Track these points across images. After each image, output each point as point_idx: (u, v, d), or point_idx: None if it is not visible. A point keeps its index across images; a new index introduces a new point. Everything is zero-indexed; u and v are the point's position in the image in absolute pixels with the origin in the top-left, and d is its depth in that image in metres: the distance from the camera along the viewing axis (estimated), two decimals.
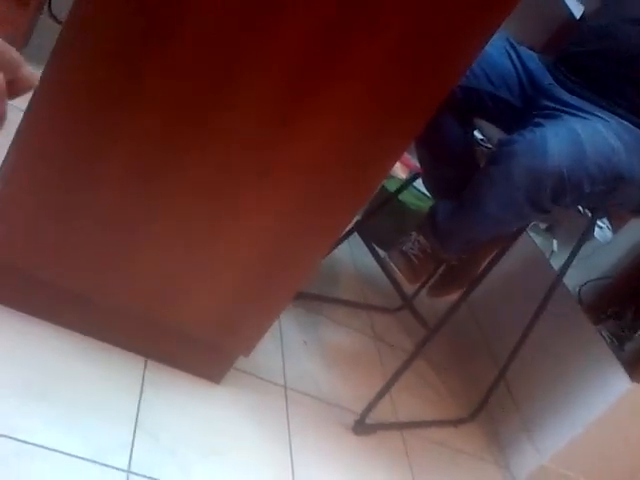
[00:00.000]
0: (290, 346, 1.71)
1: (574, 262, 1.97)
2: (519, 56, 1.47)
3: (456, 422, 1.84)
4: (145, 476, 1.18)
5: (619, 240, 2.18)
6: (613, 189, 1.31)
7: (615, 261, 2.19)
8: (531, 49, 1.56)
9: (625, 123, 1.34)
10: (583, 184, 1.25)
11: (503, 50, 1.46)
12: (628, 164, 1.30)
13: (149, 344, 1.38)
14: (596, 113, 1.35)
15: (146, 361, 1.38)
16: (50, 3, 2.07)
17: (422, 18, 1.05)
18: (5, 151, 1.12)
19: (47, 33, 1.04)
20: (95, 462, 1.15)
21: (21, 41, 1.95)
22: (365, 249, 1.77)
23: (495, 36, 1.31)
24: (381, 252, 1.76)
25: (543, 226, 2.27)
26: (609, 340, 1.93)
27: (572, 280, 2.09)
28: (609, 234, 2.16)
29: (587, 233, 1.60)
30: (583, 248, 2.11)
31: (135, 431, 1.23)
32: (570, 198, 1.27)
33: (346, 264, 2.20)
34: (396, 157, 1.22)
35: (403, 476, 1.58)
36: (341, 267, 2.17)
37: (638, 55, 1.38)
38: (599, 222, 2.15)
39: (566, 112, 1.35)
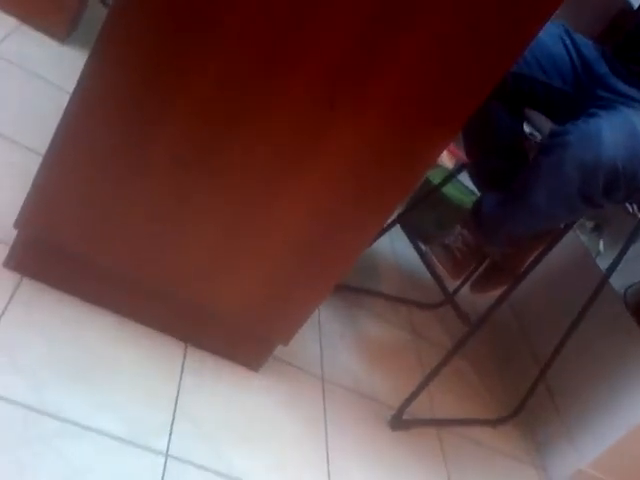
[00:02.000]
0: (328, 337, 1.69)
1: (621, 264, 1.92)
2: (574, 44, 1.42)
3: (494, 422, 1.80)
4: (183, 459, 1.18)
5: None
6: None
7: None
8: (587, 38, 1.52)
9: None
10: (637, 178, 1.21)
11: (558, 37, 1.42)
12: None
13: (189, 329, 1.38)
14: None
15: (186, 346, 1.38)
16: None
17: (472, 4, 1.02)
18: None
19: (97, 18, 1.04)
20: (134, 444, 1.15)
21: (70, 26, 1.97)
22: (406, 242, 1.75)
23: (550, 23, 1.27)
24: (422, 246, 1.73)
25: (590, 225, 2.22)
26: None
27: (618, 282, 2.04)
28: None
29: (636, 234, 1.56)
30: (630, 250, 2.06)
31: (174, 415, 1.24)
32: (624, 192, 1.23)
33: (386, 257, 2.18)
34: (443, 146, 1.20)
35: (438, 473, 1.56)
36: (381, 260, 2.15)
37: None
38: None
39: (622, 103, 1.30)
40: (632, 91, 1.34)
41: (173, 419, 1.23)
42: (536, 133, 1.52)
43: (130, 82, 1.07)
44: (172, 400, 1.26)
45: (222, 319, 1.36)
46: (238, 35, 1.04)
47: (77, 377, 1.19)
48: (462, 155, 2.24)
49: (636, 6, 1.71)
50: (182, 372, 1.33)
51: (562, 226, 1.44)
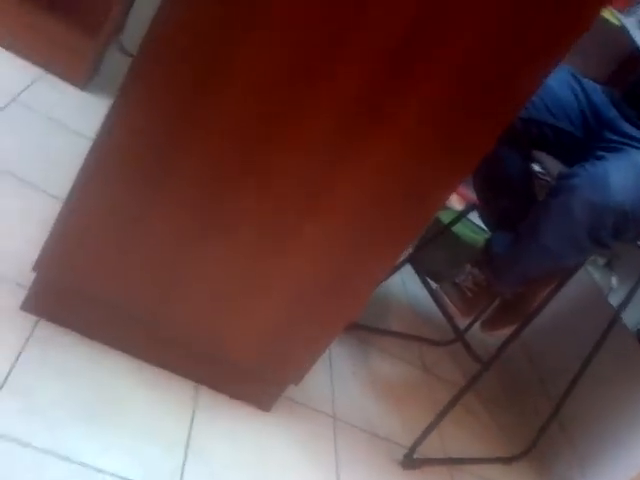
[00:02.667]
0: (340, 376, 1.69)
1: (634, 299, 1.92)
2: (583, 88, 1.45)
3: (506, 459, 1.79)
4: None
5: None
6: None
7: None
8: (595, 82, 1.54)
9: None
10: None
11: (565, 82, 1.44)
12: None
13: (200, 370, 1.38)
14: None
15: (197, 387, 1.39)
16: (120, 35, 2.15)
17: (485, 46, 1.05)
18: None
19: (116, 64, 1.07)
20: None
21: (90, 72, 2.02)
22: (417, 281, 1.76)
23: (558, 69, 1.30)
24: (433, 284, 1.74)
25: (602, 262, 2.22)
26: None
27: (632, 318, 2.03)
28: None
29: None
30: None
31: (186, 456, 1.24)
32: (632, 234, 1.24)
33: (398, 296, 2.19)
34: (453, 188, 1.21)
35: None
36: (393, 299, 2.16)
37: None
38: None
39: (630, 145, 1.32)
40: (639, 134, 1.36)
41: (185, 460, 1.23)
42: (546, 174, 1.54)
43: (149, 131, 1.10)
44: (184, 441, 1.26)
45: (233, 361, 1.37)
46: (252, 89, 1.07)
47: (91, 419, 1.19)
48: (470, 196, 2.26)
49: None
50: (194, 413, 1.33)
51: (572, 264, 1.45)
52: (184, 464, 1.22)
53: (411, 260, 1.76)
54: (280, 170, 1.14)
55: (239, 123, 1.10)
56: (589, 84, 1.47)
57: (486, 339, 1.74)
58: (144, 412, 1.27)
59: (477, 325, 1.75)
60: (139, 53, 1.05)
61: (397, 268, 1.77)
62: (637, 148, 1.31)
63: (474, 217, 1.79)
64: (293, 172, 1.15)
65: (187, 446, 1.26)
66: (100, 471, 1.13)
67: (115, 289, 1.26)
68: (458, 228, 2.14)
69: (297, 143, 1.12)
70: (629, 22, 1.83)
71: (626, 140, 1.34)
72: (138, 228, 1.19)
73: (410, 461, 1.57)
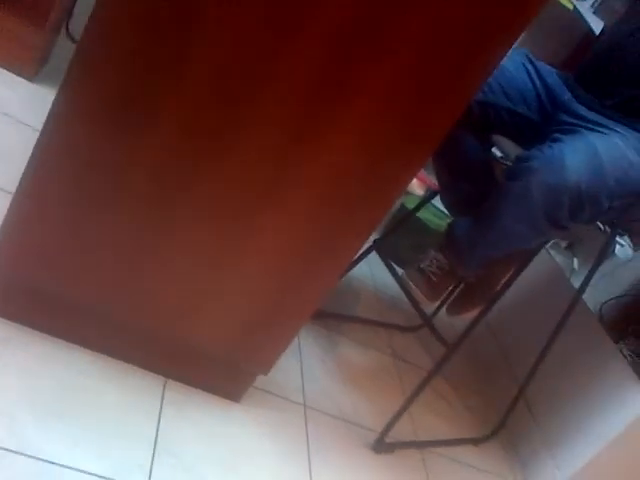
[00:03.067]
0: (309, 364, 1.70)
1: (596, 280, 1.95)
2: (537, 71, 1.47)
3: (476, 440, 1.82)
4: None
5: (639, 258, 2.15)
6: (632, 204, 1.30)
7: (636, 279, 2.17)
8: (551, 65, 1.56)
9: None
10: (601, 200, 1.24)
11: (521, 65, 1.46)
12: None
13: (168, 363, 1.38)
14: (614, 128, 1.34)
15: (165, 380, 1.38)
16: (67, 24, 2.11)
17: (436, 34, 1.05)
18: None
19: (65, 54, 1.05)
20: None
21: (38, 63, 1.98)
22: (385, 267, 1.77)
23: (513, 52, 1.31)
24: (400, 270, 1.76)
25: (564, 244, 2.26)
26: (630, 358, 1.91)
27: (594, 298, 2.07)
28: (630, 251, 2.13)
29: (606, 250, 1.59)
30: (605, 266, 2.10)
31: (155, 450, 1.24)
32: (588, 214, 1.27)
33: (366, 283, 2.20)
34: (412, 174, 1.22)
35: None
36: (361, 286, 2.17)
37: None
38: (620, 240, 2.13)
39: (584, 127, 1.34)
40: (594, 116, 1.39)
41: (154, 454, 1.23)
42: (505, 158, 1.56)
43: (98, 119, 1.08)
44: (152, 435, 1.26)
45: (200, 352, 1.36)
46: (206, 71, 1.06)
47: (56, 416, 1.18)
48: (431, 182, 2.28)
49: (598, 32, 1.76)
50: (162, 406, 1.33)
51: (533, 246, 1.47)
52: (153, 458, 1.22)
53: (377, 247, 1.77)
54: (240, 152, 1.14)
55: (193, 110, 1.09)
56: (544, 67, 1.49)
57: (454, 322, 1.77)
58: (111, 408, 1.26)
59: (444, 309, 1.78)
60: (81, 41, 1.03)
61: (363, 255, 1.78)
62: (590, 129, 1.33)
63: (438, 202, 1.81)
64: (249, 168, 1.15)
65: (156, 440, 1.26)
66: (69, 468, 1.12)
67: (74, 284, 1.25)
68: (423, 213, 2.16)
69: (259, 123, 1.11)
70: (583, 6, 1.86)
71: (581, 122, 1.37)
72: (93, 220, 1.18)
73: (382, 445, 1.59)
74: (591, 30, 1.78)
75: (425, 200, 1.88)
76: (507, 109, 1.44)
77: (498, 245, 1.41)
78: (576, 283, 1.82)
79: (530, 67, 1.46)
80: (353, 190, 1.20)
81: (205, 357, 1.38)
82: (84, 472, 1.13)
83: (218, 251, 1.24)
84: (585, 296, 1.85)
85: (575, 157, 1.23)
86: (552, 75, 1.48)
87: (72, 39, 2.12)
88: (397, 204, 2.29)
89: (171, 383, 1.38)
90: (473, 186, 1.51)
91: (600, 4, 1.85)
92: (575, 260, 2.20)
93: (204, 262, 1.25)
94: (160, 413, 1.31)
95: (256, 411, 1.47)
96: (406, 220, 1.93)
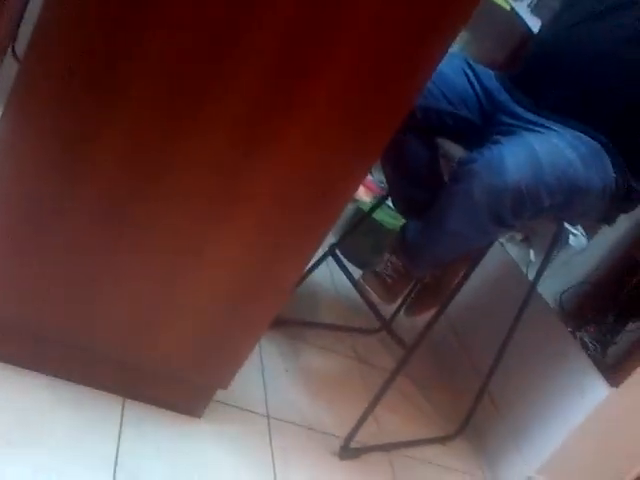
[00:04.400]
0: (271, 374, 1.70)
1: (554, 270, 1.98)
2: (476, 74, 1.50)
3: (443, 439, 1.84)
4: None
5: (595, 245, 2.19)
6: (572, 201, 1.33)
7: (593, 266, 2.20)
8: (491, 67, 1.59)
9: (580, 135, 1.36)
10: (542, 197, 1.27)
11: (460, 70, 1.49)
12: (585, 175, 1.32)
13: (125, 383, 1.37)
14: (551, 127, 1.37)
15: (124, 400, 1.37)
16: (14, 46, 2.08)
17: (373, 42, 1.07)
18: None
19: (12, 74, 1.05)
20: None
21: None
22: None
23: (452, 57, 1.33)
24: (358, 273, 1.77)
25: (520, 237, 2.29)
26: (592, 345, 1.94)
27: (552, 288, 2.10)
28: (584, 240, 2.17)
29: (556, 242, 1.62)
30: (561, 255, 2.13)
31: (115, 472, 1.23)
32: (530, 212, 1.29)
33: (326, 287, 2.21)
34: (357, 182, 1.23)
35: None
36: (321, 291, 2.18)
37: (586, 64, 1.41)
38: (573, 229, 2.16)
39: (523, 127, 1.37)
40: (531, 116, 1.42)
41: (114, 476, 1.22)
42: (450, 160, 1.58)
43: (44, 141, 1.08)
44: (112, 457, 1.25)
45: (157, 370, 1.36)
46: (149, 83, 1.06)
47: (12, 444, 1.17)
48: (378, 189, 2.31)
49: (536, 31, 1.79)
50: (121, 427, 1.32)
51: (482, 246, 1.49)
52: None
53: (332, 252, 1.78)
54: (186, 166, 1.14)
55: (137, 125, 1.09)
56: (482, 70, 1.52)
57: (415, 323, 1.78)
58: (69, 431, 1.25)
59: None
60: (24, 60, 1.04)
61: (319, 261, 1.79)
62: (528, 129, 1.36)
63: None
64: (195, 183, 1.15)
65: (116, 462, 1.25)
66: None
67: (27, 308, 1.24)
68: (379, 215, 2.17)
69: (203, 137, 1.12)
70: (520, 6, 1.89)
71: (519, 122, 1.40)
72: (43, 243, 1.17)
73: (347, 451, 1.60)
74: (529, 29, 1.81)
75: (380, 202, 1.90)
76: (449, 113, 1.46)
77: (447, 247, 1.43)
78: (533, 275, 1.85)
79: (469, 71, 1.48)
80: (299, 201, 1.21)
81: (162, 374, 1.37)
82: None
83: (168, 267, 1.23)
84: (544, 286, 1.88)
85: (514, 158, 1.26)
86: (490, 78, 1.51)
87: (18, 60, 2.10)
88: (352, 208, 2.31)
89: (130, 403, 1.38)
90: (421, 190, 1.53)
91: (537, 3, 1.88)
92: (531, 252, 2.23)
93: (155, 279, 1.24)
94: (120, 433, 1.30)
95: (219, 425, 1.46)
96: (362, 222, 1.95)
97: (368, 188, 2.39)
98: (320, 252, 1.54)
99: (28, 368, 1.31)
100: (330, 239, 1.67)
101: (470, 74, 1.48)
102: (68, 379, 1.34)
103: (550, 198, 1.27)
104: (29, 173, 1.11)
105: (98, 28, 1.02)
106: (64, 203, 1.14)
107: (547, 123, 1.38)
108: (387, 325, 1.66)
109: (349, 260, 1.99)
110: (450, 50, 1.13)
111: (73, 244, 1.18)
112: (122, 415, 1.35)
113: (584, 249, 2.16)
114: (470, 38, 1.14)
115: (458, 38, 1.15)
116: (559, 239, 1.63)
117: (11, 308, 1.24)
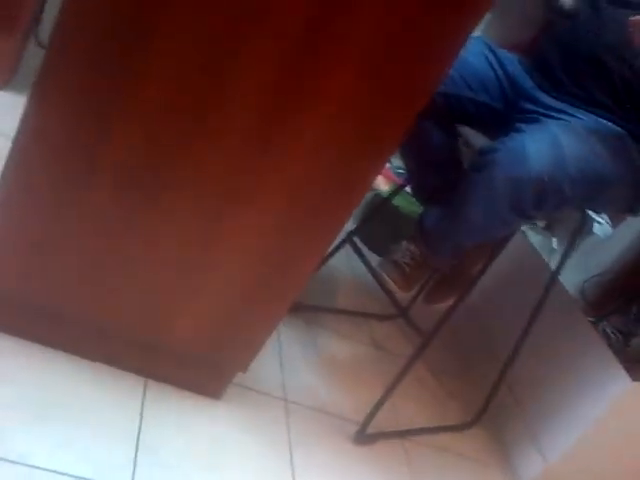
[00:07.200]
0: (290, 359, 1.72)
1: (577, 258, 1.96)
2: (499, 60, 1.47)
3: (459, 427, 1.84)
4: None
5: (619, 234, 2.16)
6: (596, 191, 1.31)
7: (617, 256, 2.18)
8: (514, 51, 1.57)
9: (606, 123, 1.34)
10: (564, 188, 1.25)
11: (482, 55, 1.47)
12: (609, 165, 1.30)
13: (147, 364, 1.40)
14: (576, 115, 1.35)
15: (146, 381, 1.40)
16: (37, 31, 2.10)
17: (391, 30, 1.06)
18: None
19: (36, 61, 1.06)
20: None
21: (9, 72, 1.97)
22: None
23: (473, 41, 1.32)
24: (376, 260, 1.77)
25: (542, 225, 2.27)
26: (613, 337, 1.92)
27: (574, 277, 2.08)
28: (609, 229, 2.15)
29: (580, 229, 1.60)
30: (585, 244, 2.11)
31: (137, 450, 1.25)
32: (552, 203, 1.28)
33: (344, 274, 2.21)
34: (376, 172, 1.24)
35: None
36: (339, 277, 2.19)
37: (610, 52, 1.38)
38: (598, 218, 2.14)
39: (546, 115, 1.35)
40: (556, 103, 1.40)
41: (136, 453, 1.25)
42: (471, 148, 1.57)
43: (66, 127, 1.10)
44: (134, 435, 1.28)
45: (178, 351, 1.38)
46: (167, 80, 1.07)
47: (37, 421, 1.20)
48: (396, 178, 2.29)
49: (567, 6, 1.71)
50: (143, 406, 1.34)
51: (503, 236, 1.48)
52: (136, 458, 1.24)
53: (350, 239, 1.78)
54: (206, 162, 1.15)
55: (161, 112, 1.10)
56: (505, 55, 1.49)
57: (433, 311, 1.78)
58: (92, 410, 1.28)
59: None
60: (49, 47, 1.04)
61: (337, 248, 1.79)
62: (552, 117, 1.34)
63: None
64: (218, 164, 1.16)
65: (138, 440, 1.27)
66: (51, 471, 1.14)
67: (48, 290, 1.26)
68: (398, 201, 2.16)
69: (223, 134, 1.13)
70: None
71: (543, 110, 1.38)
72: (64, 226, 1.19)
73: (363, 437, 1.61)
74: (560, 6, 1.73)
75: (399, 188, 1.89)
76: (470, 99, 1.45)
77: (466, 236, 1.42)
78: (555, 263, 1.84)
79: (491, 56, 1.46)
80: (318, 193, 1.21)
81: (183, 356, 1.39)
82: (67, 475, 1.15)
83: (190, 250, 1.25)
84: (566, 275, 1.86)
85: (537, 148, 1.24)
86: (513, 62, 1.49)
87: (42, 46, 2.12)
88: (370, 195, 2.30)
89: (151, 383, 1.40)
90: (440, 177, 1.52)
91: None
92: (554, 240, 2.21)
93: (178, 262, 1.26)
94: (141, 413, 1.33)
95: (237, 408, 1.48)
96: (380, 209, 1.94)
97: (386, 177, 2.38)
98: (338, 239, 1.55)
99: (53, 347, 1.34)
100: (349, 226, 1.66)
101: (492, 59, 1.45)
102: (92, 359, 1.36)
103: (573, 189, 1.26)
104: (53, 155, 1.13)
105: (119, 14, 1.02)
106: (83, 187, 1.16)
107: (571, 110, 1.36)
108: (404, 313, 1.66)
109: (367, 247, 1.99)
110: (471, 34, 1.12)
111: (92, 225, 1.20)
112: (144, 395, 1.37)
113: (609, 238, 2.14)
114: (492, 21, 1.12)
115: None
116: (583, 227, 1.61)
117: (32, 286, 1.26)
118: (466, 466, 1.76)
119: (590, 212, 1.58)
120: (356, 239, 1.81)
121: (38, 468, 1.13)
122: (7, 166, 1.13)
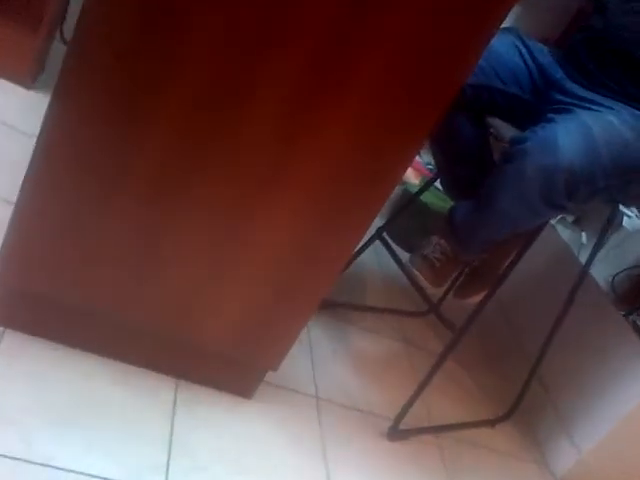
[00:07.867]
0: (320, 356, 1.71)
1: (606, 252, 1.94)
2: (529, 50, 1.45)
3: (492, 422, 1.83)
4: None
5: None
6: (628, 182, 1.29)
7: None
8: (545, 42, 1.54)
9: (638, 113, 1.32)
10: (596, 178, 1.23)
11: (512, 45, 1.45)
12: None
13: (178, 364, 1.40)
14: (608, 105, 1.32)
15: (177, 381, 1.40)
16: (62, 29, 2.11)
17: (421, 21, 1.05)
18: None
19: (61, 59, 1.06)
20: None
21: (34, 71, 1.98)
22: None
23: (503, 32, 1.30)
24: (405, 256, 1.76)
25: (571, 219, 2.24)
26: None
27: (605, 271, 2.06)
28: (638, 223, 2.12)
29: (610, 223, 1.58)
30: (614, 237, 2.08)
31: (170, 451, 1.25)
32: (584, 194, 1.26)
33: (373, 270, 2.20)
34: (406, 163, 1.22)
35: None
36: (368, 273, 2.17)
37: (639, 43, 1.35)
38: (627, 211, 2.11)
39: (578, 105, 1.33)
40: (587, 94, 1.37)
41: (169, 455, 1.25)
42: (501, 139, 1.55)
43: (93, 122, 1.09)
44: (166, 436, 1.28)
45: (208, 351, 1.38)
46: (197, 71, 1.06)
47: (67, 423, 1.20)
48: (426, 171, 2.27)
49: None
50: (174, 407, 1.35)
51: (533, 227, 1.46)
52: (169, 460, 1.24)
53: (379, 235, 1.77)
54: (233, 153, 1.15)
55: (190, 110, 1.09)
56: (535, 45, 1.47)
57: (464, 306, 1.76)
58: (123, 411, 1.28)
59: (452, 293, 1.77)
60: (71, 46, 1.04)
61: (367, 244, 1.78)
62: (584, 108, 1.32)
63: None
64: (245, 168, 1.16)
65: (170, 442, 1.27)
66: (82, 474, 1.13)
67: (79, 290, 1.26)
68: (427, 197, 2.15)
69: (248, 125, 1.12)
70: None
71: (574, 100, 1.36)
72: (94, 225, 1.19)
73: (396, 433, 1.60)
74: None
75: (428, 184, 1.88)
76: (500, 90, 1.43)
77: (497, 228, 1.40)
78: (585, 257, 1.81)
79: (521, 46, 1.44)
80: (349, 182, 1.20)
81: (214, 356, 1.39)
82: (99, 477, 1.15)
83: (221, 249, 1.25)
84: (595, 269, 1.84)
85: (568, 137, 1.22)
86: (544, 53, 1.47)
87: (67, 44, 2.13)
88: (399, 190, 2.29)
89: (182, 383, 1.40)
90: (470, 169, 1.51)
91: None
92: (583, 234, 2.18)
93: (209, 261, 1.26)
94: (173, 414, 1.33)
95: (268, 406, 1.48)
96: (410, 205, 1.93)
97: (416, 170, 2.37)
98: (367, 235, 1.54)
99: (83, 349, 1.34)
100: (377, 222, 1.65)
101: (523, 49, 1.43)
102: (122, 360, 1.37)
103: (605, 179, 1.24)
104: (81, 154, 1.12)
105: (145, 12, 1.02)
106: (117, 184, 1.15)
107: (601, 101, 1.34)
108: (435, 308, 1.64)
109: (396, 243, 1.97)
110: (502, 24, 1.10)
111: (124, 226, 1.20)
112: (175, 395, 1.37)
113: (638, 231, 2.11)
114: (523, 11, 1.11)
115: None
116: (613, 221, 1.59)
117: (63, 287, 1.26)
118: (500, 460, 1.75)
119: (620, 206, 1.56)
120: (385, 235, 1.80)
121: (68, 470, 1.12)
122: (32, 166, 1.12)
